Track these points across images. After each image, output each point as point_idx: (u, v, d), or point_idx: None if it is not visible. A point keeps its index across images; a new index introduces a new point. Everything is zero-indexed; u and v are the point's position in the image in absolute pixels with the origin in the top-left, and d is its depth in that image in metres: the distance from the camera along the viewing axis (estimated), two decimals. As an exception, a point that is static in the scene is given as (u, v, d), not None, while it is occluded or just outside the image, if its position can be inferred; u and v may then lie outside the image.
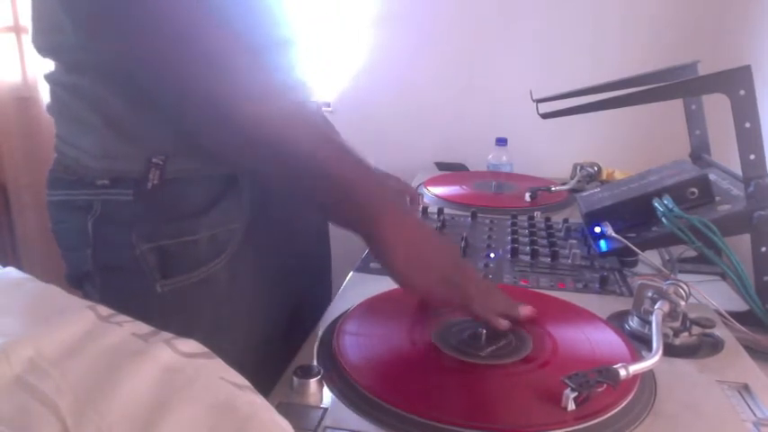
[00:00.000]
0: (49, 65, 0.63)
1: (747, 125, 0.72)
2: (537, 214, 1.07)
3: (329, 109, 1.60)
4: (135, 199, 0.59)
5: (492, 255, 0.88)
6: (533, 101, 0.93)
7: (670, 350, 0.60)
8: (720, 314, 0.69)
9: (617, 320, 0.68)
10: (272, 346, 0.68)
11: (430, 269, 0.60)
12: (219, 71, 0.51)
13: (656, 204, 0.82)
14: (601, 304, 0.72)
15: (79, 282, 0.65)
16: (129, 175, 0.59)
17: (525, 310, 0.63)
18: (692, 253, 0.84)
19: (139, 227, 0.59)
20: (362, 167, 0.58)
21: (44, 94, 1.56)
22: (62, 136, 0.63)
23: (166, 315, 0.60)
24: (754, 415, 0.52)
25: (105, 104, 0.58)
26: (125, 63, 0.54)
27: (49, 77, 0.63)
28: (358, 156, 0.58)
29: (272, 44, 0.64)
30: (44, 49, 0.61)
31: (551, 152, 1.48)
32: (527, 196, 1.16)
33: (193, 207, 0.61)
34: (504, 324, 0.60)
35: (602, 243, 0.86)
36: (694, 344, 0.63)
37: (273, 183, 0.62)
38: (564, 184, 1.23)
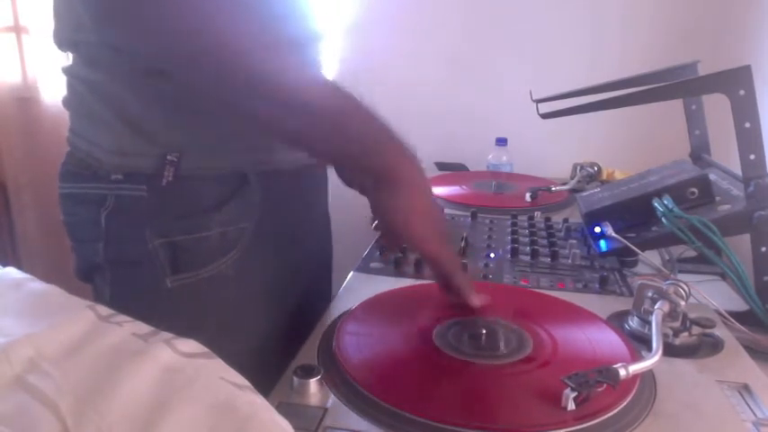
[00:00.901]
0: (64, 59, 0.63)
1: (747, 125, 0.72)
2: (537, 214, 1.07)
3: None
4: (149, 195, 0.60)
5: (492, 255, 0.88)
6: (533, 101, 0.93)
7: (670, 350, 0.60)
8: (720, 314, 0.69)
9: (617, 320, 0.68)
10: (275, 345, 0.68)
11: (430, 222, 0.61)
12: (263, 56, 0.52)
13: (656, 204, 0.82)
14: (601, 304, 0.72)
15: (89, 275, 0.66)
16: (142, 171, 0.60)
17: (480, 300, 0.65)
18: (692, 253, 0.84)
19: (153, 222, 0.60)
20: (378, 120, 0.59)
21: (45, 93, 1.56)
22: (76, 130, 0.64)
23: (175, 310, 0.61)
24: (754, 415, 0.52)
25: (121, 101, 0.59)
26: (156, 58, 0.54)
27: (66, 70, 0.63)
28: (376, 113, 0.59)
29: (308, 38, 0.66)
30: (65, 44, 0.62)
31: (551, 152, 1.48)
32: (527, 196, 1.16)
33: (206, 204, 0.62)
34: (477, 301, 0.62)
35: (602, 243, 0.86)
36: (694, 344, 0.63)
37: (300, 143, 0.61)
38: (564, 184, 1.23)
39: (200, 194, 0.62)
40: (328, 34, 0.70)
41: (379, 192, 0.59)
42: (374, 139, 0.58)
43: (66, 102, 0.64)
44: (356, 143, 0.57)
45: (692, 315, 0.63)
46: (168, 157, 0.60)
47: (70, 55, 0.63)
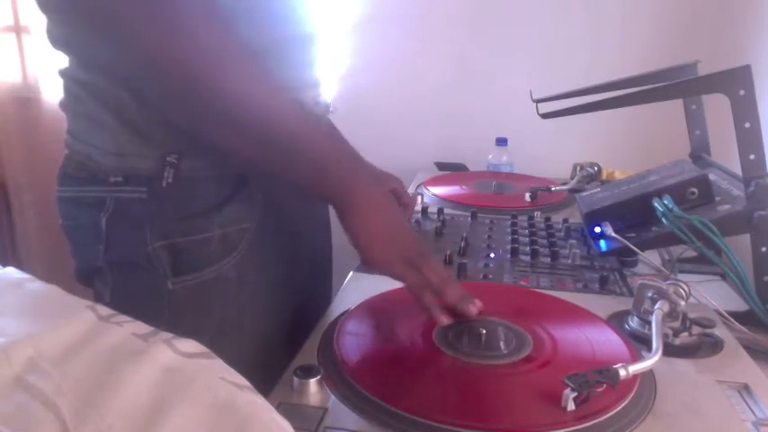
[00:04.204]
0: (63, 60, 0.63)
1: (747, 125, 0.72)
2: (537, 214, 1.07)
3: (330, 109, 1.60)
4: (149, 197, 0.60)
5: (492, 255, 0.88)
6: (533, 101, 0.93)
7: (670, 350, 0.60)
8: (720, 314, 0.69)
9: (617, 320, 0.68)
10: (276, 346, 0.68)
11: (392, 245, 0.62)
12: (213, 64, 0.52)
13: (656, 204, 0.82)
14: (601, 304, 0.72)
15: (89, 278, 0.66)
16: (141, 173, 0.60)
17: (475, 307, 0.63)
18: (692, 253, 0.84)
19: (153, 224, 0.60)
20: (337, 146, 0.60)
21: (45, 93, 1.56)
22: (74, 132, 0.63)
23: (176, 313, 0.61)
24: (754, 415, 0.52)
25: (118, 102, 0.59)
26: (123, 60, 0.54)
27: (63, 73, 0.63)
28: (337, 137, 0.60)
29: (297, 39, 0.66)
30: (58, 41, 0.61)
31: (551, 152, 1.48)
32: (527, 196, 1.16)
33: (206, 205, 0.62)
34: (444, 320, 0.61)
35: (602, 243, 0.86)
36: (694, 344, 0.63)
37: (252, 162, 0.62)
38: (564, 184, 1.23)
39: (200, 196, 0.62)
40: (324, 34, 0.70)
41: (340, 217, 0.61)
42: (329, 165, 0.59)
43: (64, 104, 0.64)
44: (310, 169, 0.59)
45: (692, 315, 0.63)
46: (168, 159, 0.59)
47: (66, 57, 0.62)
